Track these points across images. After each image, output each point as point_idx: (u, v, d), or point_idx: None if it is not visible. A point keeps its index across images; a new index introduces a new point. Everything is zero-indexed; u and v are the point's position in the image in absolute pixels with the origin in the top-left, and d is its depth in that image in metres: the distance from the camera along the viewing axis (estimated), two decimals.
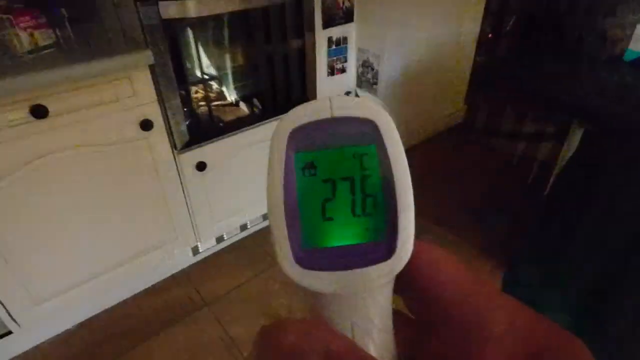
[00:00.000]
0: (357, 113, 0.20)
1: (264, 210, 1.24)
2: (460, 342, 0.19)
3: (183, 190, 1.57)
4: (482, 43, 2.62)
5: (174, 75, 1.37)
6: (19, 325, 1.38)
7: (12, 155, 1.15)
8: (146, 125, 1.33)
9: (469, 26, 2.46)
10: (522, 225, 1.71)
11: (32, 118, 1.13)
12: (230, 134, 1.61)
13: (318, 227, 0.20)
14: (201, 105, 1.69)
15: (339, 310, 0.20)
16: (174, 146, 1.47)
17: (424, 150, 2.58)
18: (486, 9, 2.47)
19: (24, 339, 1.48)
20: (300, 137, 0.20)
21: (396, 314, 0.22)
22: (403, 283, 0.21)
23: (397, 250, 0.19)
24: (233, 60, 1.79)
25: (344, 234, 0.20)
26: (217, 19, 1.62)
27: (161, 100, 1.37)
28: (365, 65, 1.92)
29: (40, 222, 1.28)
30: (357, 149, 0.20)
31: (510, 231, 1.89)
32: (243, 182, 1.72)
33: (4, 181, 1.16)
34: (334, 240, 0.20)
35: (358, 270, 0.19)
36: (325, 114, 0.20)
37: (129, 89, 1.27)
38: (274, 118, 1.71)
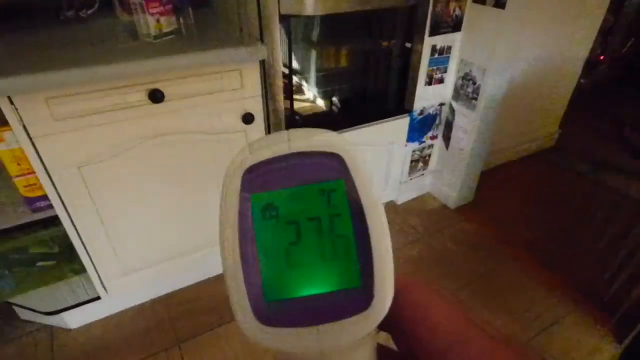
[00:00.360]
0: (319, 146, 0.18)
1: None
2: None
3: None
4: (590, 64, 2.44)
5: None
6: (106, 292, 1.45)
7: (128, 134, 1.20)
8: (248, 118, 1.35)
9: (576, 47, 2.29)
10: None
11: (149, 101, 1.17)
12: None
13: (282, 276, 0.18)
14: (300, 106, 1.69)
15: None
16: None
17: (513, 170, 2.45)
18: (602, 28, 2.29)
19: (107, 306, 1.56)
20: (255, 176, 0.18)
21: (383, 350, 0.20)
22: (387, 322, 0.18)
23: (375, 300, 0.17)
24: (335, 61, 1.77)
25: (312, 282, 0.18)
26: (328, 17, 1.60)
27: (265, 95, 1.38)
28: (466, 79, 1.83)
29: (138, 197, 1.34)
30: (323, 185, 0.18)
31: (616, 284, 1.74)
32: None
33: (119, 158, 1.22)
34: (301, 289, 0.18)
35: (330, 325, 0.17)
36: (283, 149, 0.18)
37: (237, 81, 1.28)
38: (370, 123, 1.68)
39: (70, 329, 1.51)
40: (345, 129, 1.64)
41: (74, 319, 1.51)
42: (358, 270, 0.18)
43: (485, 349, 0.17)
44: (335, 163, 0.18)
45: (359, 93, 1.78)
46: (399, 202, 2.15)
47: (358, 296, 0.17)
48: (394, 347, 0.21)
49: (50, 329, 1.52)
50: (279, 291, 0.18)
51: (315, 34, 1.72)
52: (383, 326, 0.19)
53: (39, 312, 1.44)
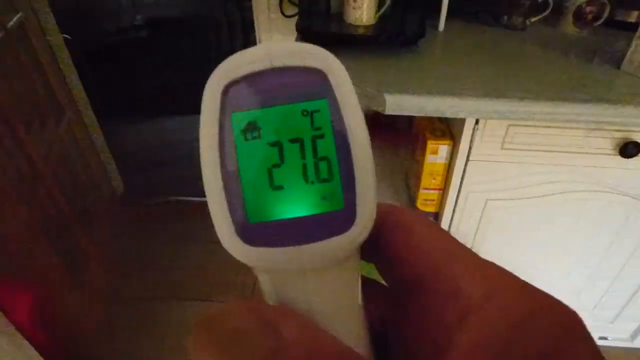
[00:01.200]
0: (301, 61, 0.17)
1: None
2: (437, 314, 0.16)
3: None
4: None
5: None
6: None
7: (562, 179, 1.00)
8: None
9: None
10: None
11: (614, 152, 0.93)
12: None
13: (265, 198, 0.17)
14: None
15: (297, 292, 0.17)
16: None
17: None
18: None
19: None
20: (237, 93, 0.17)
21: (369, 283, 0.20)
22: (372, 249, 0.19)
23: (358, 219, 0.17)
24: None
25: (295, 204, 0.17)
26: None
27: None
28: None
29: (527, 243, 1.16)
30: (306, 104, 0.17)
31: None
32: None
33: (535, 200, 1.04)
34: (284, 211, 0.17)
35: (314, 245, 0.16)
36: (263, 64, 0.17)
37: None
38: None
39: None
40: None
41: None
42: (341, 192, 0.17)
43: (471, 263, 0.17)
44: (319, 80, 0.17)
45: None
46: None
47: (341, 217, 0.17)
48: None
49: None
50: (262, 213, 0.17)
51: None
52: (367, 256, 0.19)
53: None
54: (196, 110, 0.16)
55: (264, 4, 1.39)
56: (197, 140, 0.16)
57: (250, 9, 1.43)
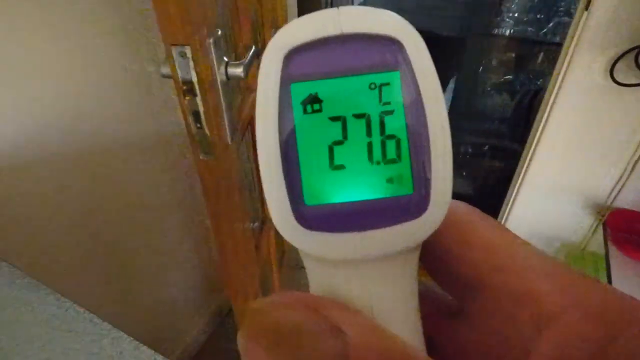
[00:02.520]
0: (374, 28, 0.15)
1: None
2: (505, 323, 0.15)
3: None
4: None
5: None
6: None
7: None
8: None
9: None
10: None
11: None
12: None
13: (325, 178, 0.15)
14: None
15: (353, 285, 0.16)
16: None
17: None
18: None
19: None
20: (298, 61, 0.15)
21: (420, 288, 0.17)
22: (427, 249, 0.17)
23: (430, 206, 0.15)
24: None
25: (358, 186, 0.15)
26: None
27: None
28: None
29: None
30: (376, 76, 0.15)
31: None
32: None
33: None
34: (345, 194, 0.15)
35: (377, 232, 0.15)
36: (332, 30, 0.15)
37: None
38: None
39: None
40: None
41: None
42: (410, 175, 0.15)
43: (545, 265, 0.15)
44: (392, 50, 0.15)
45: None
46: None
47: (409, 203, 0.15)
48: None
49: None
50: (321, 195, 0.15)
51: None
52: (421, 257, 0.17)
53: None
54: None
55: None
56: None
57: None
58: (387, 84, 0.15)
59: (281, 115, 0.15)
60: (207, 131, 0.74)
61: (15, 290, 0.63)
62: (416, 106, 0.15)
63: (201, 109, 0.71)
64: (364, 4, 3.66)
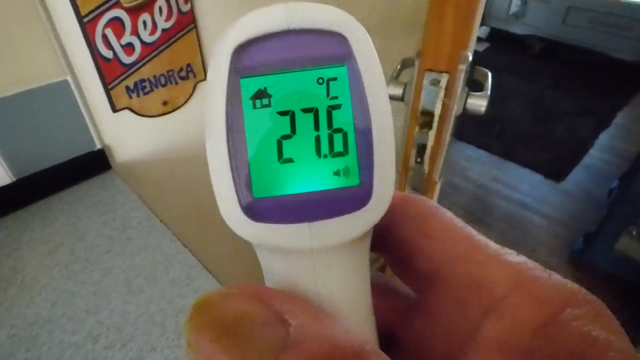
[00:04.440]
0: (321, 24, 0.15)
1: None
2: (455, 311, 0.15)
3: None
4: None
5: None
6: None
7: None
8: None
9: None
10: None
11: None
12: None
13: (273, 171, 0.15)
14: None
15: (303, 275, 0.16)
16: None
17: None
18: None
19: None
20: (247, 56, 0.15)
21: (375, 278, 0.18)
22: (382, 239, 0.18)
23: (374, 196, 0.15)
24: None
25: (306, 179, 0.15)
26: None
27: None
28: None
29: None
30: (323, 71, 0.15)
31: None
32: None
33: None
34: (293, 186, 0.15)
35: (325, 222, 0.15)
36: (280, 25, 0.15)
37: None
38: None
39: None
40: None
41: None
42: (357, 167, 0.16)
43: (494, 255, 0.15)
44: (338, 45, 0.15)
45: None
46: None
47: (356, 194, 0.15)
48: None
49: None
50: (269, 187, 0.15)
51: None
52: (377, 247, 0.18)
53: None
54: None
55: None
56: None
57: None
58: (335, 78, 0.15)
59: (230, 110, 0.15)
60: (425, 167, 0.63)
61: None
62: (361, 100, 0.15)
63: (429, 144, 0.60)
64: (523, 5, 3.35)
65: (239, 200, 0.15)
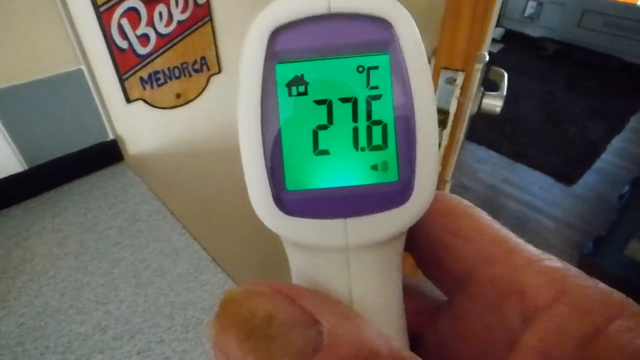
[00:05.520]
0: (364, 8, 0.14)
1: None
2: (490, 317, 0.14)
3: None
4: None
5: None
6: None
7: None
8: None
9: None
10: None
11: None
12: None
13: (308, 163, 0.15)
14: None
15: (334, 274, 0.15)
16: None
17: None
18: None
19: None
20: (284, 41, 0.14)
21: (404, 279, 0.17)
22: (411, 237, 0.16)
23: (414, 193, 0.14)
24: None
25: (342, 172, 0.15)
26: None
27: None
28: None
29: None
30: (364, 59, 0.14)
31: None
32: None
33: None
34: (329, 179, 0.15)
35: (360, 219, 0.14)
36: (320, 9, 0.14)
37: None
38: None
39: None
40: None
41: None
42: (396, 163, 0.15)
43: (533, 258, 0.14)
44: (381, 31, 0.14)
45: None
46: None
47: (394, 190, 0.15)
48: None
49: None
50: (304, 180, 0.15)
51: None
52: (407, 247, 0.17)
53: None
54: None
55: None
56: None
57: None
58: (376, 67, 0.14)
59: (265, 97, 0.14)
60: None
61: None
62: (404, 91, 0.14)
63: (443, 143, 0.59)
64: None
65: (272, 192, 0.14)
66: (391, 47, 0.14)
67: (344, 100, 0.14)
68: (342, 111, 0.14)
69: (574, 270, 0.14)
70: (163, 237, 0.66)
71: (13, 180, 0.69)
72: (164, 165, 0.89)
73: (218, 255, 0.66)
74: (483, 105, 0.60)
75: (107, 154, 0.78)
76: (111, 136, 0.77)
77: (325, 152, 0.15)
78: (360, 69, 0.14)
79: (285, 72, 0.14)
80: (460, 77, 0.53)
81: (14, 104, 0.64)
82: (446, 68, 0.53)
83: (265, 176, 0.14)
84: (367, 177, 0.15)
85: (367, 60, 0.14)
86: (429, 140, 0.15)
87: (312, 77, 0.14)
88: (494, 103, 0.60)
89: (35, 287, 0.58)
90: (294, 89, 0.14)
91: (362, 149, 0.15)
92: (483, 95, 0.60)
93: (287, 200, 0.15)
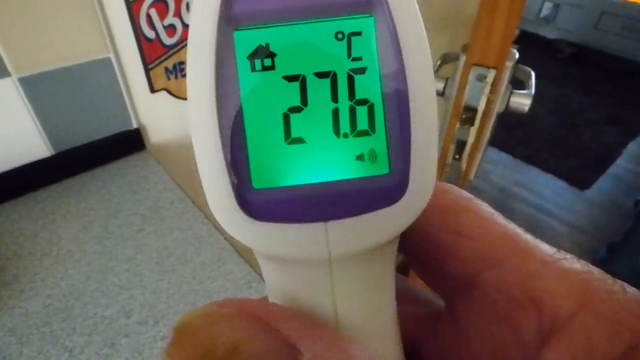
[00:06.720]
0: None
1: None
2: (500, 328, 0.12)
3: None
4: None
5: None
6: None
7: None
8: None
9: None
10: None
11: None
12: None
13: (278, 155, 0.12)
14: None
15: (315, 289, 0.12)
16: None
17: None
18: None
19: None
20: (242, 1, 0.11)
21: (397, 281, 0.14)
22: (406, 237, 0.13)
23: (410, 188, 0.12)
24: None
25: (321, 165, 0.12)
26: None
27: None
28: None
29: None
30: (344, 23, 0.11)
31: None
32: None
33: None
34: (305, 174, 0.12)
35: (345, 222, 0.12)
36: None
37: None
38: None
39: None
40: None
41: None
42: (386, 151, 0.12)
43: (549, 259, 0.12)
44: None
45: None
46: None
47: (385, 185, 0.12)
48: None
49: None
50: (274, 175, 0.12)
51: None
52: (402, 248, 0.14)
53: None
54: None
55: None
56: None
57: None
58: (359, 33, 0.12)
59: (220, 74, 0.11)
60: (463, 165, 0.62)
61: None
62: (394, 62, 0.12)
63: (470, 140, 0.59)
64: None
65: (234, 192, 0.12)
66: (377, 7, 0.12)
67: (321, 75, 0.12)
68: (319, 89, 0.12)
69: (596, 272, 0.12)
70: (186, 226, 0.66)
71: (40, 164, 0.70)
72: (185, 155, 0.90)
73: (241, 245, 0.66)
74: (511, 104, 0.60)
75: (130, 142, 0.79)
76: (135, 125, 0.78)
77: (299, 141, 0.12)
78: (340, 36, 0.12)
79: (246, 40, 0.12)
80: (491, 74, 0.53)
81: (46, 89, 0.65)
82: (477, 65, 0.53)
83: (225, 172, 0.12)
84: (352, 170, 0.12)
85: (348, 25, 0.12)
86: (426, 122, 0.12)
87: (280, 46, 0.12)
88: (523, 102, 0.60)
89: (62, 270, 0.59)
90: (257, 62, 0.12)
91: (345, 136, 0.12)
92: (511, 93, 0.60)
93: (254, 202, 0.12)
